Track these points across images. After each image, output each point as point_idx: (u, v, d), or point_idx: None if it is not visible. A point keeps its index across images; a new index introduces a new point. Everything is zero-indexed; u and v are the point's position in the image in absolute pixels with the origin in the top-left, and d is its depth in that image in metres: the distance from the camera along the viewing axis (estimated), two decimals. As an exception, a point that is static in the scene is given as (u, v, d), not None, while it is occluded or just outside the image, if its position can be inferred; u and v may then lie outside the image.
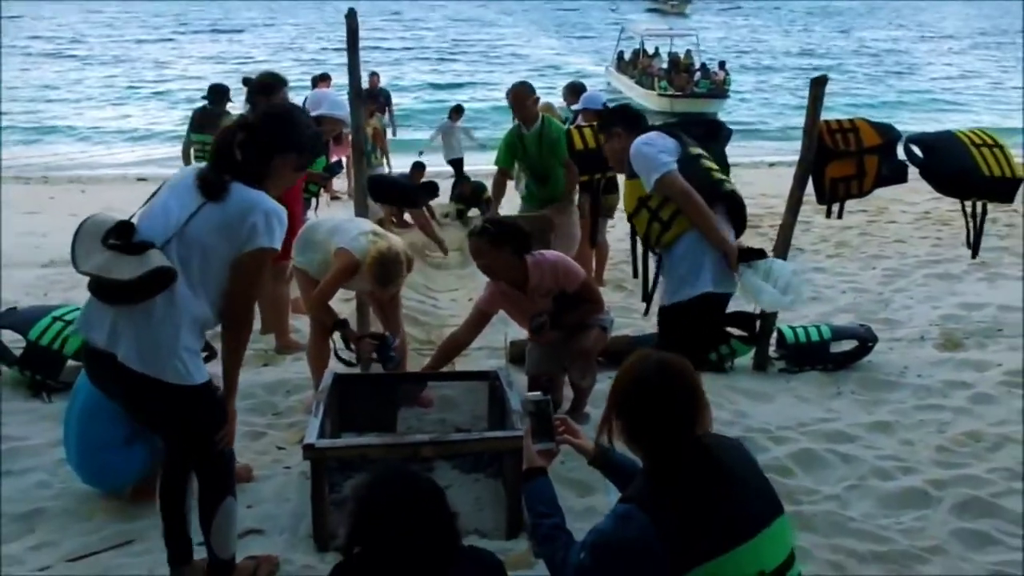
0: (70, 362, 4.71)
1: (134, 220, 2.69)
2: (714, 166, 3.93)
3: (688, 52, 27.32)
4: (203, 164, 2.81)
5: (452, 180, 11.86)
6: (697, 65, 25.98)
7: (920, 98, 30.13)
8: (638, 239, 4.21)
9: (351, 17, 4.50)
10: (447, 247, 9.04)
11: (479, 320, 4.41)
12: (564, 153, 5.67)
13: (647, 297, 4.29)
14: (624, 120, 4.08)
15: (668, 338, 3.96)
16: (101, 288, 2.61)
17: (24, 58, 35.77)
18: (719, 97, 24.59)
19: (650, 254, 4.20)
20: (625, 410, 2.15)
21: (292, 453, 4.00)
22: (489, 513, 3.58)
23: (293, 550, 3.30)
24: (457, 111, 12.55)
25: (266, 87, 5.29)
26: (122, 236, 2.59)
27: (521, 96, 5.93)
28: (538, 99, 6.05)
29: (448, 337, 4.61)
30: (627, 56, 29.05)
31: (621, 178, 4.28)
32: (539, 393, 2.53)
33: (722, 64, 25.99)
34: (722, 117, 23.81)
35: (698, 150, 3.94)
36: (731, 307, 4.10)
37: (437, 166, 12.35)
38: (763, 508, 2.09)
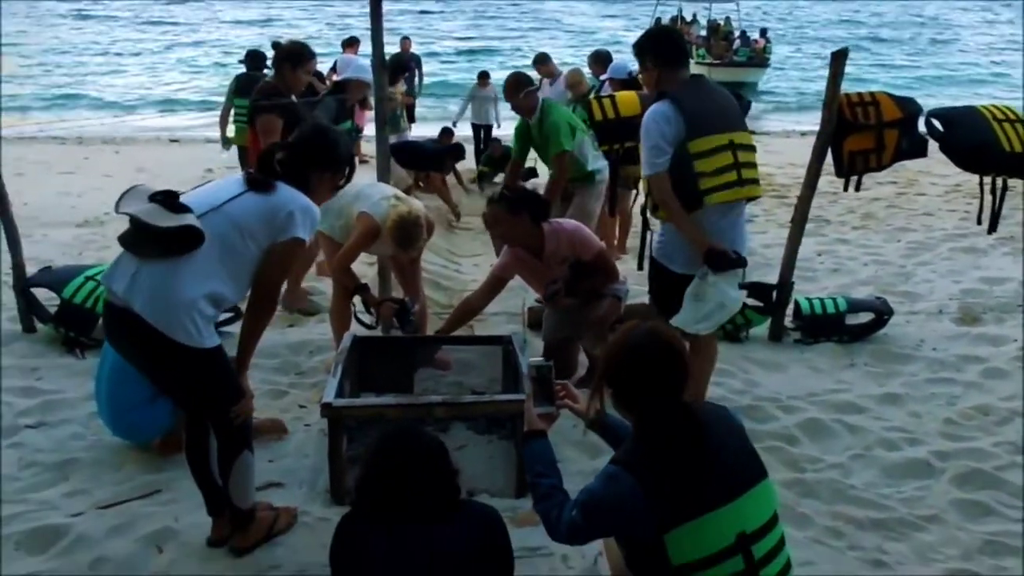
0: (102, 320, 4.88)
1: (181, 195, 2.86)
2: (708, 168, 3.75)
3: (728, 19, 26.57)
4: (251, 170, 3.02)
5: (475, 145, 11.90)
6: (737, 32, 25.30)
7: (963, 74, 29.14)
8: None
9: (375, -14, 4.56)
10: (460, 212, 9.15)
11: (494, 285, 4.52)
12: (558, 147, 5.67)
13: (641, 258, 4.37)
14: (654, 51, 3.88)
15: (652, 285, 4.15)
16: (133, 236, 2.75)
17: (57, 18, 35.83)
18: (759, 66, 23.88)
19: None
20: (615, 377, 2.26)
21: (313, 411, 4.15)
22: (501, 473, 3.71)
23: (311, 503, 3.46)
24: (484, 76, 12.50)
25: (294, 55, 5.37)
26: (167, 198, 2.75)
27: (509, 90, 5.85)
28: (534, 88, 5.94)
29: (463, 301, 4.72)
30: (665, 22, 28.62)
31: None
32: (541, 359, 2.62)
33: (763, 32, 25.29)
34: (761, 87, 23.37)
35: (703, 142, 3.75)
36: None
37: (467, 130, 12.38)
38: (746, 472, 2.18)
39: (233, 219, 2.79)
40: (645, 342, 2.21)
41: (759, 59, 24.02)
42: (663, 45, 3.93)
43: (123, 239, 2.79)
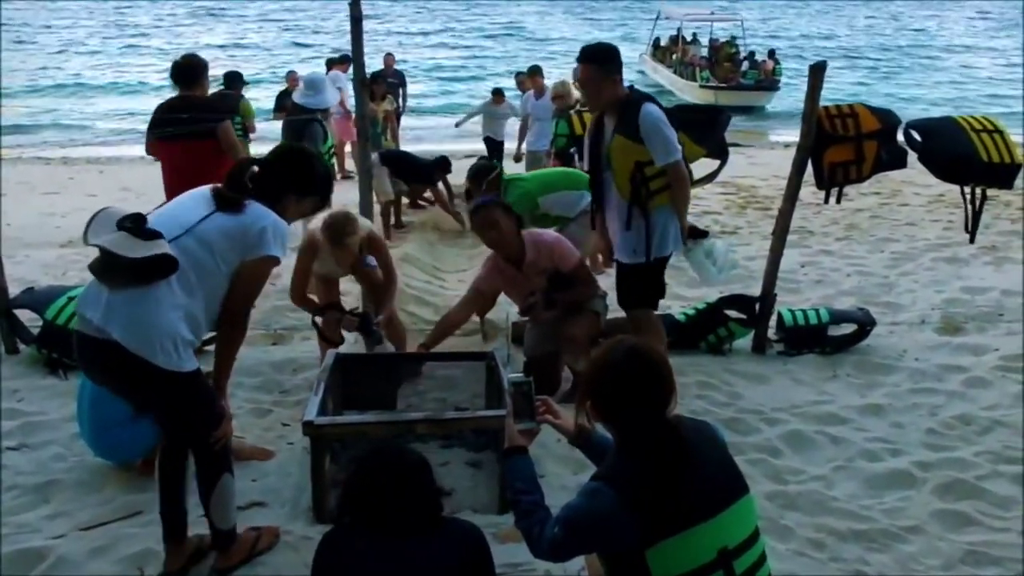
0: (75, 348, 4.84)
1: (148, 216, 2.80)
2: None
3: (732, 38, 25.38)
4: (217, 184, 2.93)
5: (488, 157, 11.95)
6: (744, 53, 24.05)
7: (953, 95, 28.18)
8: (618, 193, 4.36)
9: (355, 5, 4.58)
10: (464, 221, 9.08)
11: (475, 298, 4.56)
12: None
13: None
14: (619, 66, 4.26)
15: (643, 285, 4.42)
16: (104, 267, 2.69)
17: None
18: (768, 89, 22.53)
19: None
20: (597, 393, 2.25)
21: (296, 430, 4.10)
22: (484, 489, 3.71)
23: (294, 521, 3.44)
24: (499, 94, 12.40)
25: (183, 76, 5.41)
26: (135, 224, 2.69)
27: (472, 183, 6.19)
28: (494, 176, 6.16)
29: (445, 315, 4.74)
30: (663, 43, 27.34)
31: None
32: (521, 375, 2.62)
33: (771, 52, 24.04)
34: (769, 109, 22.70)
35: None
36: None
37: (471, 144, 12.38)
38: (728, 487, 2.19)
39: (205, 241, 2.75)
40: (627, 357, 2.22)
41: (769, 82, 22.72)
42: (610, 53, 4.30)
43: (94, 268, 2.73)
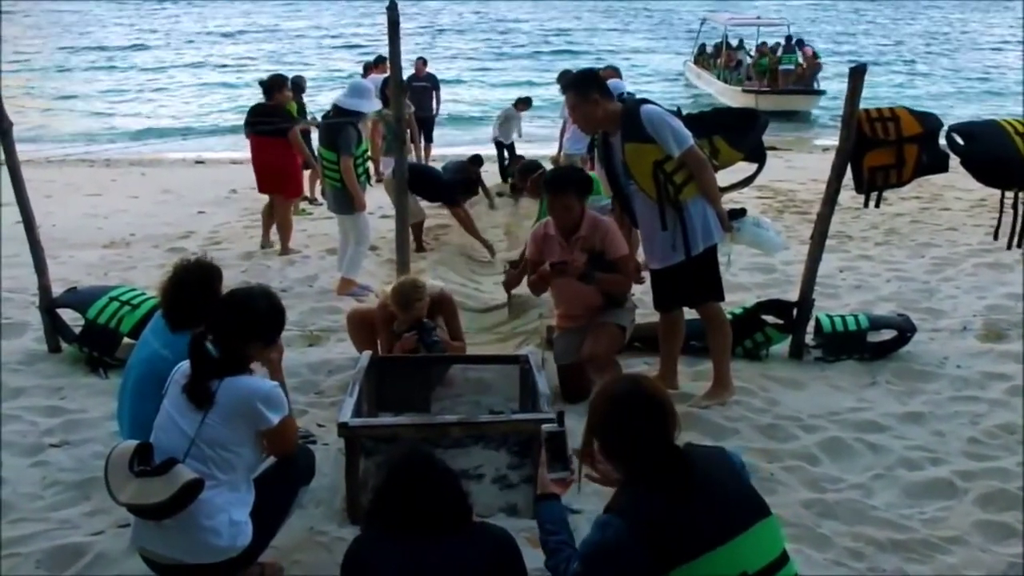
0: (126, 340, 4.94)
1: (152, 431, 2.92)
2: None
3: (778, 44, 24.28)
4: (187, 370, 2.91)
5: (499, 163, 12.21)
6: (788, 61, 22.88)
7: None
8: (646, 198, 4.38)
9: (392, 9, 4.60)
10: (493, 247, 8.36)
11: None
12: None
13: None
14: (601, 86, 4.43)
15: (700, 280, 4.47)
16: (141, 513, 2.80)
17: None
18: (807, 93, 21.76)
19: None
20: (599, 427, 2.32)
21: (331, 431, 4.15)
22: (517, 493, 3.69)
23: (328, 522, 3.48)
24: (524, 102, 12.67)
25: (267, 88, 7.96)
26: (144, 460, 2.79)
27: (519, 177, 6.81)
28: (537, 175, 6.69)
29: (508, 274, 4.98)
30: (709, 49, 26.82)
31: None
32: (555, 424, 2.63)
33: (800, 42, 23.50)
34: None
35: None
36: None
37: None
38: (743, 511, 2.20)
39: (215, 446, 2.81)
40: (627, 393, 2.28)
41: (807, 76, 21.84)
42: (601, 80, 4.55)
43: (133, 511, 2.83)
